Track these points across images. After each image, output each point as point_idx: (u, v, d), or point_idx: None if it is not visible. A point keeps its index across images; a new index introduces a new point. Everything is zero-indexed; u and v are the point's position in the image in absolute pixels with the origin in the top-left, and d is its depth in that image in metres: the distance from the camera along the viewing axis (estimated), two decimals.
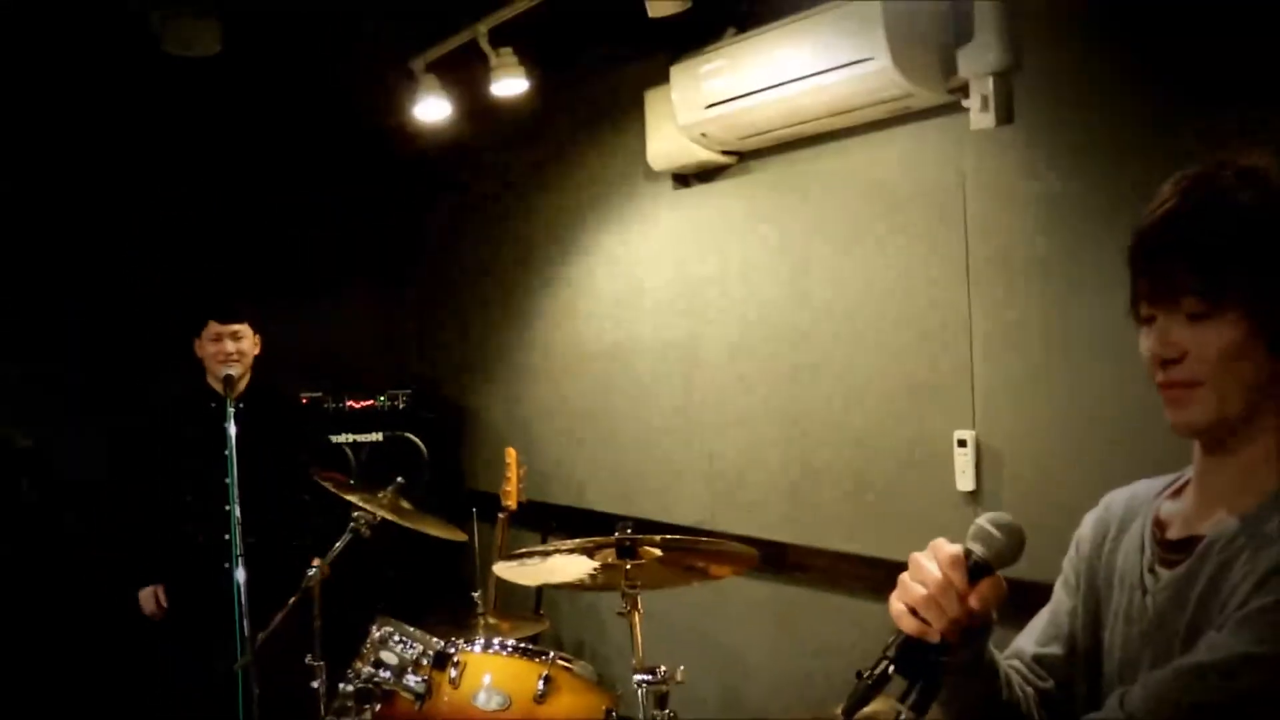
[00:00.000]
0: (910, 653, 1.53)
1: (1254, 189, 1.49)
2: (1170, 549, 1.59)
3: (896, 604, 1.55)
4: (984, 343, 3.68)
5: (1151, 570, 1.60)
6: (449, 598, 5.44)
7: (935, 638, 1.51)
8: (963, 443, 3.73)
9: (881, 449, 4.04)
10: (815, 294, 4.27)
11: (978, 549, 1.54)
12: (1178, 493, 1.66)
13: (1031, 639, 1.81)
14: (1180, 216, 1.52)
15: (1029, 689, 1.74)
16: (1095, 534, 1.76)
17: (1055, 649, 1.77)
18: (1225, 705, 1.35)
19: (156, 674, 4.90)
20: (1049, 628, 1.80)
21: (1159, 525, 1.64)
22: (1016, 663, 1.78)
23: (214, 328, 4.75)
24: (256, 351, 4.85)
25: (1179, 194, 1.54)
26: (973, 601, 1.52)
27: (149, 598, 4.80)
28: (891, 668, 1.53)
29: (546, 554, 3.19)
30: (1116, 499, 1.77)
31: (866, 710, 1.55)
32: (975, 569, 1.53)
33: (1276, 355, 1.48)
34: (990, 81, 3.56)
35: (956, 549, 1.55)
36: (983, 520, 1.56)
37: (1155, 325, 1.55)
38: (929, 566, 1.54)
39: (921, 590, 1.53)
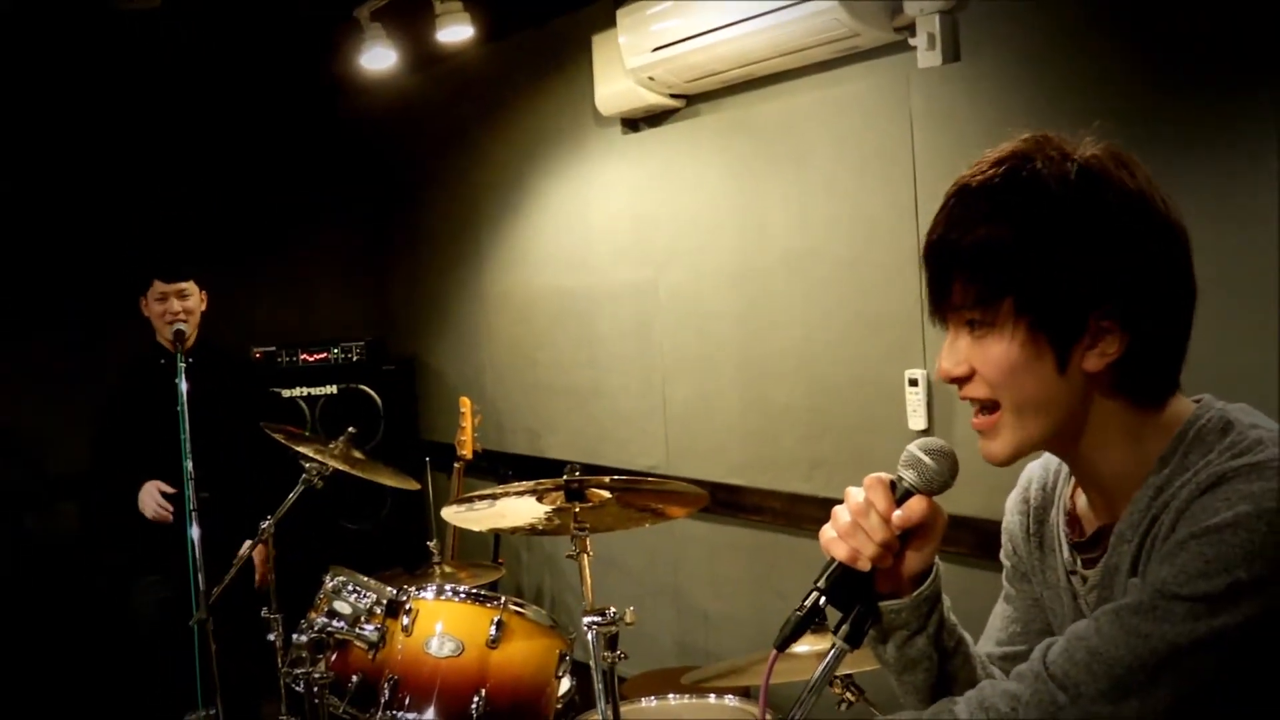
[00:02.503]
0: (841, 581, 1.52)
1: (1032, 192, 1.41)
2: (1086, 548, 1.56)
3: (826, 533, 1.54)
4: None
5: (1075, 571, 1.58)
6: (408, 548, 5.45)
7: (866, 565, 1.50)
8: (914, 382, 3.75)
9: (836, 390, 4.05)
10: (767, 235, 4.26)
11: (909, 475, 1.52)
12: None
13: (991, 641, 1.77)
14: (955, 222, 1.45)
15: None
16: (1020, 528, 1.71)
17: (1021, 647, 1.71)
18: (1140, 647, 1.31)
19: (124, 627, 4.87)
20: (1010, 625, 1.76)
21: (1072, 523, 1.60)
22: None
23: (159, 287, 4.70)
24: (203, 308, 4.80)
25: (955, 197, 1.47)
26: (897, 520, 1.50)
27: (149, 497, 4.64)
28: (823, 598, 1.51)
29: (495, 498, 3.17)
30: (1034, 478, 1.71)
31: None
32: (905, 495, 1.52)
33: (1064, 368, 1.42)
34: (936, 20, 3.55)
35: (883, 475, 1.54)
36: (913, 446, 1.54)
37: (947, 338, 1.51)
38: (854, 492, 1.54)
39: (847, 517, 1.52)
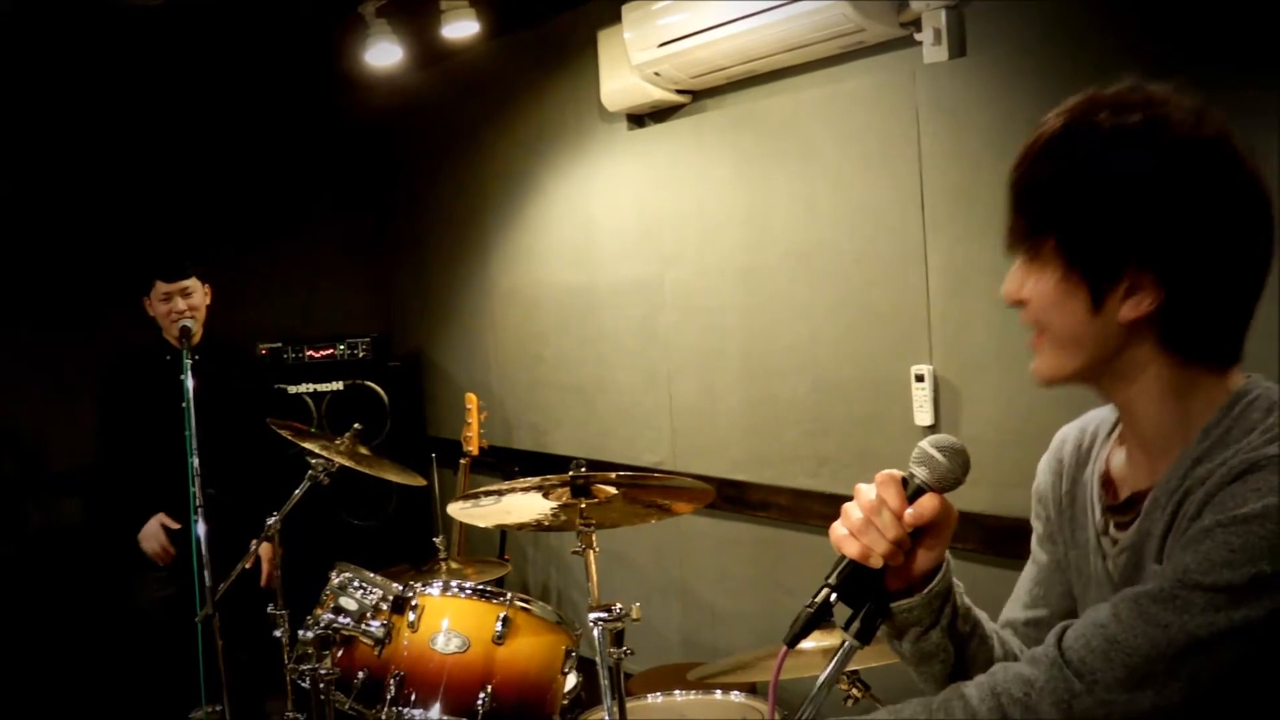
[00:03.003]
0: (852, 579, 1.52)
1: (1089, 135, 1.44)
2: (1120, 510, 1.55)
3: (837, 529, 1.54)
4: (939, 276, 3.68)
5: (1106, 533, 1.57)
6: (414, 544, 5.45)
7: (877, 563, 1.50)
8: (920, 377, 3.74)
9: (842, 385, 4.05)
10: (773, 231, 4.26)
11: (920, 472, 1.52)
12: (1123, 435, 1.61)
13: (1019, 605, 1.76)
14: (1021, 160, 1.51)
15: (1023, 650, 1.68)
16: (1054, 489, 1.71)
17: (1042, 611, 1.72)
18: (1159, 637, 1.30)
19: (129, 623, 4.87)
20: (1034, 589, 1.75)
21: (1107, 484, 1.60)
22: (1007, 633, 1.73)
23: (162, 287, 4.68)
24: (208, 302, 4.79)
25: (1032, 137, 1.52)
26: (908, 518, 1.50)
27: (152, 536, 4.65)
28: (834, 595, 1.51)
29: (500, 494, 3.17)
30: (1069, 439, 1.72)
31: None
32: (917, 493, 1.52)
33: (1098, 308, 1.43)
34: (943, 14, 3.55)
35: (895, 472, 1.54)
36: (925, 443, 1.54)
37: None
38: (866, 490, 1.54)
39: (859, 514, 1.52)
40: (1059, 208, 1.45)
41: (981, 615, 1.65)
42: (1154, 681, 1.30)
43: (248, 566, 4.12)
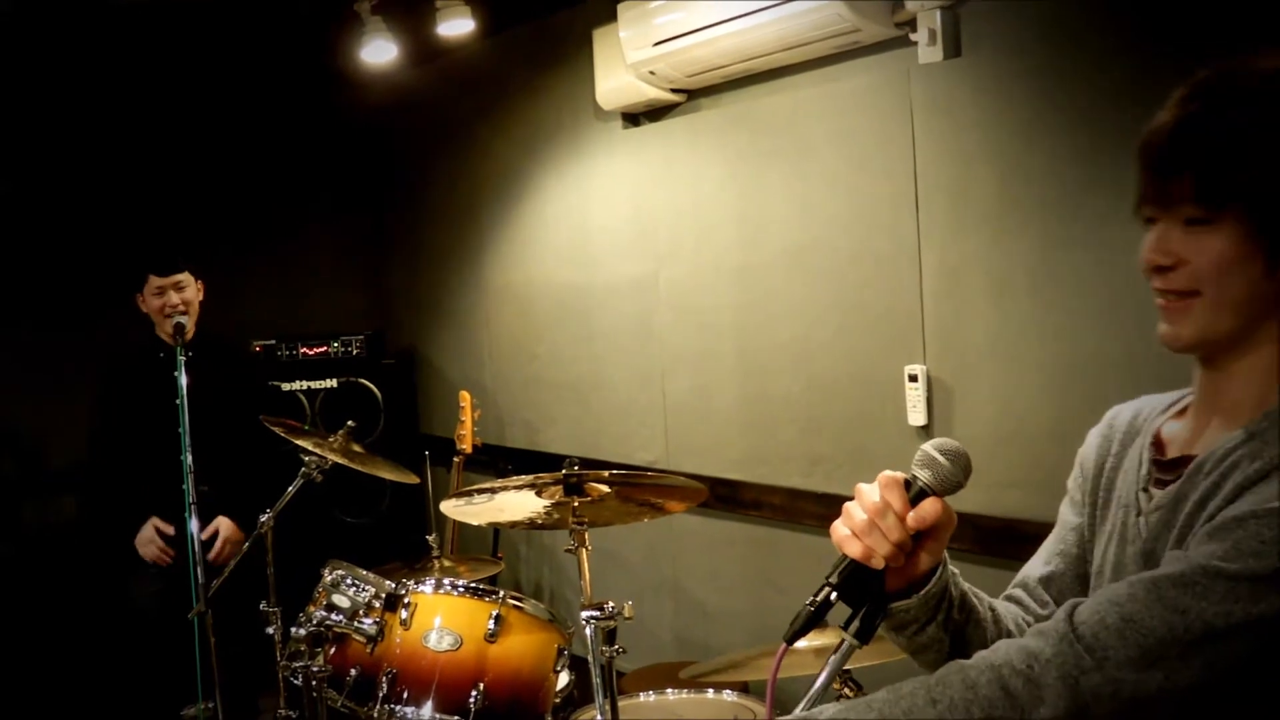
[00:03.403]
0: (853, 579, 1.52)
1: (1264, 96, 1.41)
2: (1164, 469, 1.55)
3: (840, 529, 1.54)
4: (934, 276, 3.69)
5: (1145, 490, 1.56)
6: (407, 542, 5.45)
7: (879, 564, 1.51)
8: (914, 377, 3.75)
9: (836, 385, 4.05)
10: (767, 230, 4.26)
11: (923, 475, 1.53)
12: (1182, 412, 1.61)
13: (1040, 561, 1.76)
14: (1188, 120, 1.44)
15: (1025, 623, 1.70)
16: (1099, 452, 1.71)
17: (1058, 565, 1.72)
18: (1176, 622, 1.29)
19: (123, 620, 4.86)
20: (1055, 545, 1.75)
21: (1158, 445, 1.59)
22: (1018, 592, 1.74)
23: (155, 281, 4.68)
24: (201, 298, 4.79)
25: (1190, 96, 1.46)
26: (911, 521, 1.51)
27: (149, 541, 4.64)
28: (834, 594, 1.52)
29: (494, 492, 3.17)
30: (1122, 414, 1.71)
31: None
32: (920, 495, 1.53)
33: (1274, 271, 1.41)
34: (938, 15, 3.55)
35: (897, 474, 1.54)
36: (928, 446, 1.54)
37: (1155, 229, 1.49)
38: (868, 491, 1.54)
39: (862, 515, 1.52)
40: (1250, 171, 1.40)
41: (978, 596, 1.66)
42: (1166, 665, 1.29)
43: (236, 561, 4.13)
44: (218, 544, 4.55)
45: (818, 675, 1.56)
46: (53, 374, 5.70)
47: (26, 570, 5.64)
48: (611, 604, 2.80)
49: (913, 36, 3.64)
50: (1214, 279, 1.43)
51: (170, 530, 4.62)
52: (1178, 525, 1.45)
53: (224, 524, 4.51)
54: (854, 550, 1.52)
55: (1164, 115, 1.47)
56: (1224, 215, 1.41)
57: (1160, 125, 1.47)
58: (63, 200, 5.83)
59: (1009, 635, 1.65)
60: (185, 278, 4.71)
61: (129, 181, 5.98)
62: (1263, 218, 1.40)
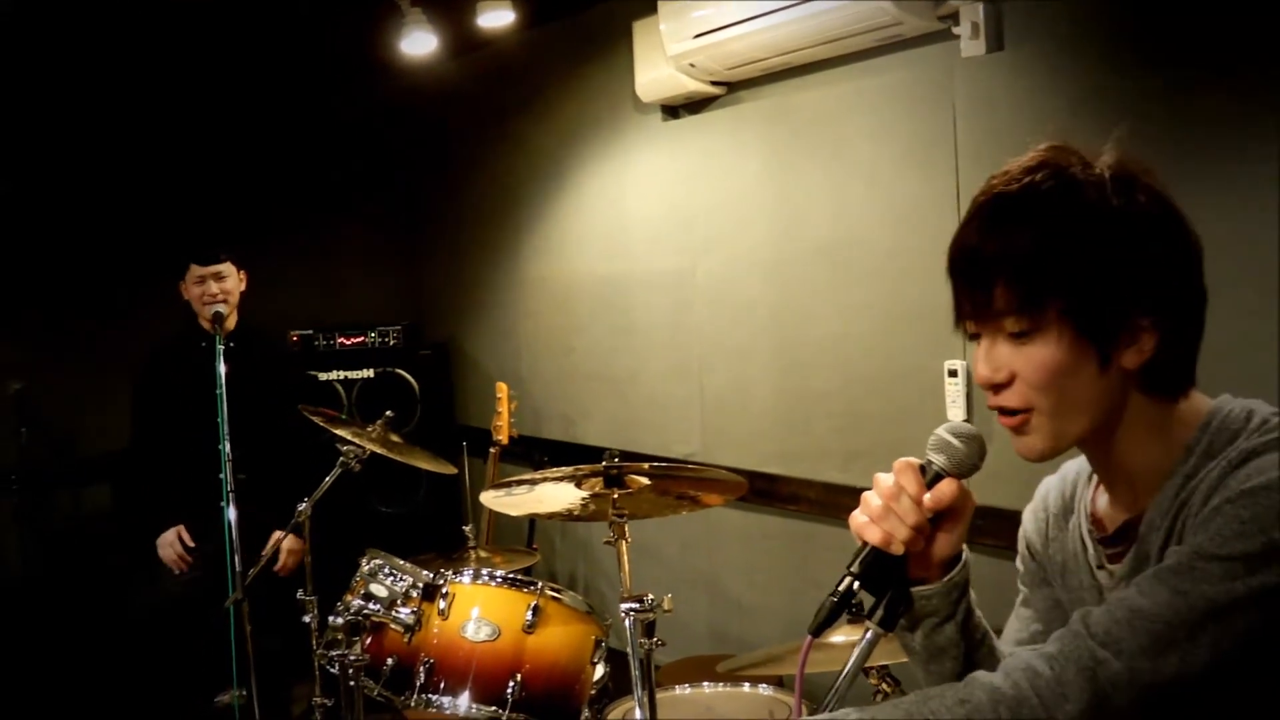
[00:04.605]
0: (875, 566, 1.54)
1: (1072, 198, 1.44)
2: (1111, 544, 1.58)
3: (858, 518, 1.56)
4: None
5: (1101, 568, 1.59)
6: (444, 533, 5.47)
7: (899, 549, 1.52)
8: (953, 373, 3.73)
9: (874, 380, 4.03)
10: (806, 224, 4.24)
11: (938, 459, 1.55)
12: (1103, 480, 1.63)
13: (1010, 642, 1.78)
14: (994, 229, 1.47)
15: None
16: (1038, 533, 1.74)
17: (1040, 627, 1.74)
18: (1179, 604, 1.32)
19: (155, 610, 4.89)
20: (1030, 624, 1.77)
21: (1096, 523, 1.62)
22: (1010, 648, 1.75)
23: (196, 270, 4.73)
24: (242, 288, 4.83)
25: (990, 205, 1.49)
26: (928, 502, 1.52)
27: (168, 544, 4.71)
28: (856, 583, 1.53)
29: (533, 483, 3.17)
30: (1050, 490, 1.74)
31: None
32: (935, 478, 1.54)
33: (1107, 367, 1.44)
34: (980, 8, 3.53)
35: (912, 459, 1.56)
36: (941, 430, 1.56)
37: (981, 344, 1.51)
38: (884, 477, 1.56)
39: (878, 501, 1.54)
40: (1065, 274, 1.43)
41: (990, 631, 1.68)
42: (1177, 648, 1.31)
43: (265, 555, 4.17)
44: (282, 557, 4.58)
45: (844, 666, 1.56)
46: (87, 362, 5.75)
47: (60, 558, 5.68)
48: (651, 596, 2.81)
49: (955, 30, 3.61)
50: (1049, 389, 1.46)
51: (191, 544, 4.69)
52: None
53: (287, 539, 4.50)
54: (873, 536, 1.53)
55: (964, 231, 1.51)
56: (1045, 322, 1.44)
57: (964, 240, 1.50)
58: (102, 188, 5.87)
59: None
60: (226, 268, 4.76)
61: (172, 171, 6.01)
62: (1081, 318, 1.43)
